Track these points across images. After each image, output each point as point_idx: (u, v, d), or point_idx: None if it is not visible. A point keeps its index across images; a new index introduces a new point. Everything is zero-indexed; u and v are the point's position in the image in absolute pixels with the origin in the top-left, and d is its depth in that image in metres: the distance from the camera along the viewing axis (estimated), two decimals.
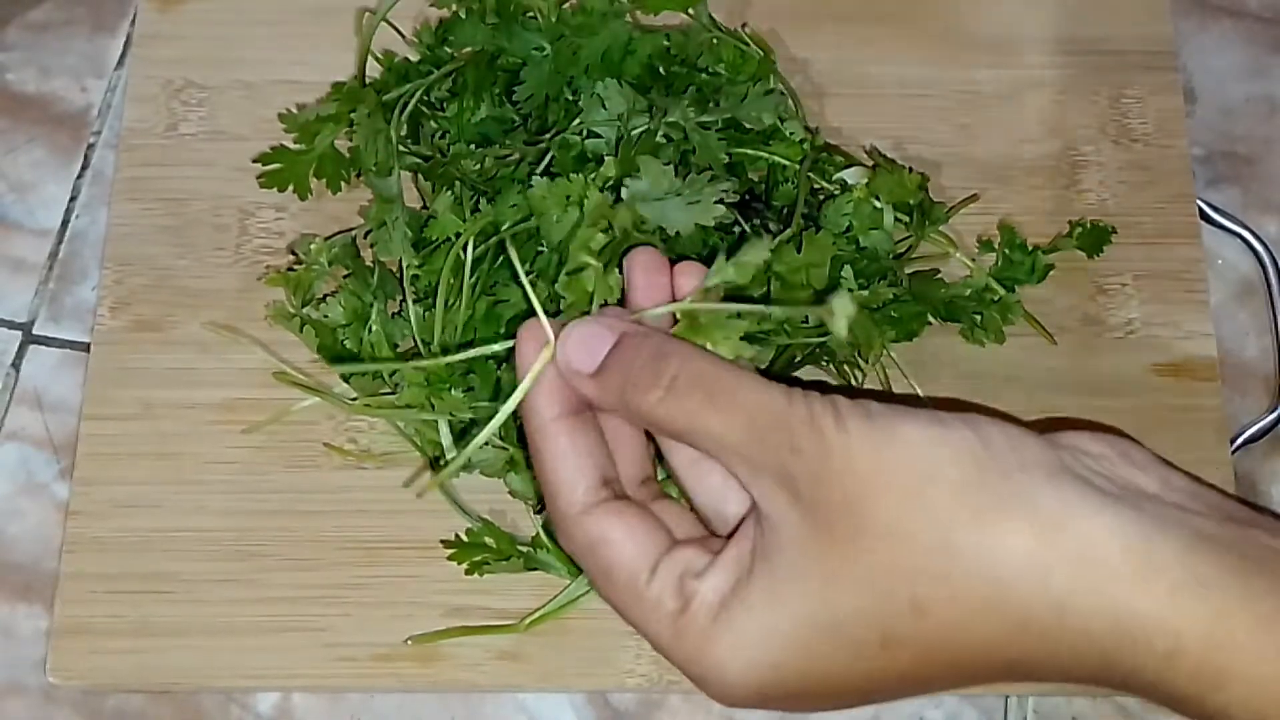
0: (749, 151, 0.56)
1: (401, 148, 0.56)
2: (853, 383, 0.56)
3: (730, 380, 0.40)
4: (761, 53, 0.59)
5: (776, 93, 0.57)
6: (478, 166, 0.55)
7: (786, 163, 0.56)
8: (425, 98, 0.57)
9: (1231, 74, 0.65)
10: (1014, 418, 0.40)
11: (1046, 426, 0.41)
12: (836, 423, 0.38)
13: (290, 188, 0.57)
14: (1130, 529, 0.36)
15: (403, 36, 0.61)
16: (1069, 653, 0.37)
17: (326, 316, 0.54)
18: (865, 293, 0.53)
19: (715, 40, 0.59)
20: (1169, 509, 0.38)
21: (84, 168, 0.63)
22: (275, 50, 0.63)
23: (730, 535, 0.41)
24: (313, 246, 0.55)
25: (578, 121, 0.54)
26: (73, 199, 0.62)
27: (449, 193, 0.53)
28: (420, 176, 0.57)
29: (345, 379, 0.55)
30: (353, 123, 0.56)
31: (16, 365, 0.59)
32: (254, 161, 0.58)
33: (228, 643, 0.53)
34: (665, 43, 0.58)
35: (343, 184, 0.57)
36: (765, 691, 0.39)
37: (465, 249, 0.53)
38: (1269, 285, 0.61)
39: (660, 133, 0.54)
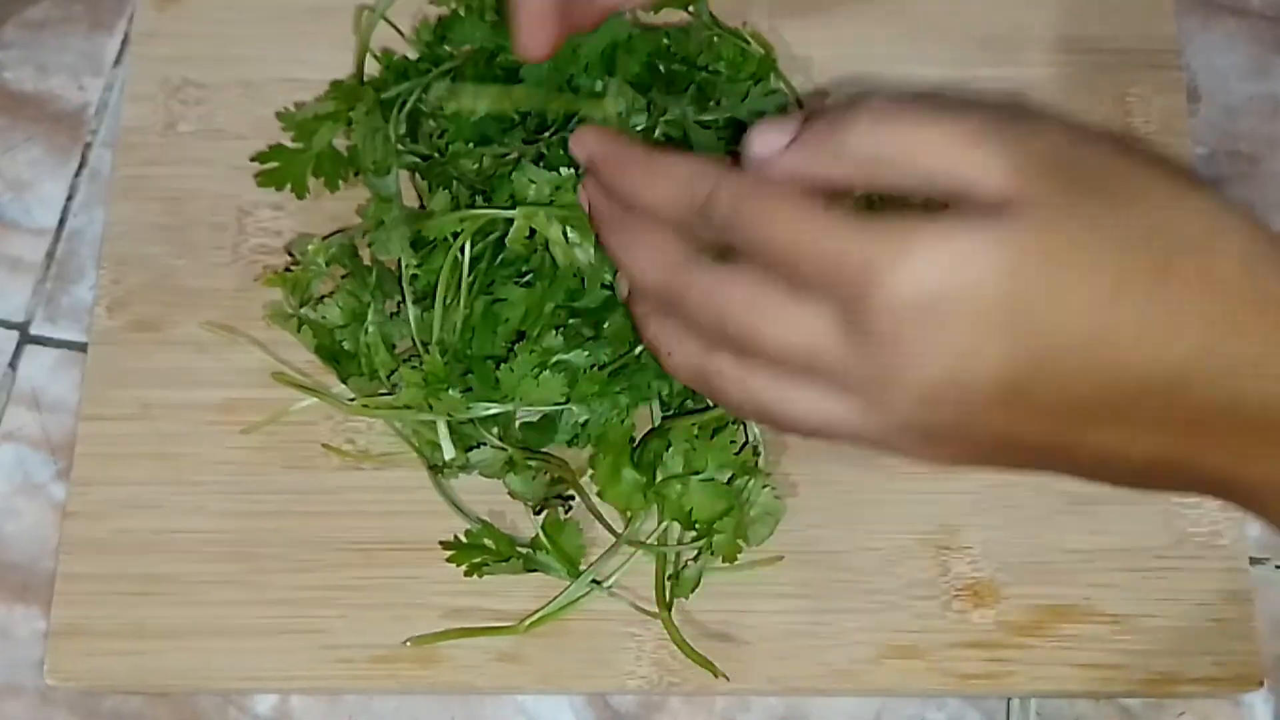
0: None
1: (400, 146, 0.56)
2: None
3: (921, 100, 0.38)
4: (762, 51, 0.59)
5: (778, 93, 0.57)
6: (476, 166, 0.55)
7: None
8: (424, 96, 0.57)
9: (1235, 73, 0.65)
10: None
11: None
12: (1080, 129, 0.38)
13: (288, 186, 0.57)
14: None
15: (401, 35, 0.61)
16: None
17: (324, 317, 0.54)
18: None
19: (715, 38, 0.58)
20: None
21: (81, 166, 0.62)
22: (274, 48, 0.62)
23: None
24: (310, 247, 0.55)
25: (577, 120, 0.54)
26: (70, 198, 0.62)
27: (446, 192, 0.53)
28: (418, 176, 0.57)
29: (343, 379, 0.55)
30: (351, 121, 0.56)
31: (14, 365, 0.59)
32: (252, 160, 0.57)
33: (225, 644, 0.53)
34: (665, 40, 0.58)
35: (341, 183, 0.57)
36: (954, 298, 0.35)
37: (463, 248, 0.52)
38: None
39: (659, 131, 0.54)
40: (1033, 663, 0.53)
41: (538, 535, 0.52)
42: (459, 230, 0.52)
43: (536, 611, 0.53)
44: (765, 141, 0.41)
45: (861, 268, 0.36)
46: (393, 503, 0.54)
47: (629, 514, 0.53)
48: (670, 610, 0.52)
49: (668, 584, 0.52)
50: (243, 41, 0.62)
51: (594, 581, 0.52)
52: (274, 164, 0.57)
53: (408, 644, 0.52)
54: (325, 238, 0.57)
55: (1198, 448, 0.37)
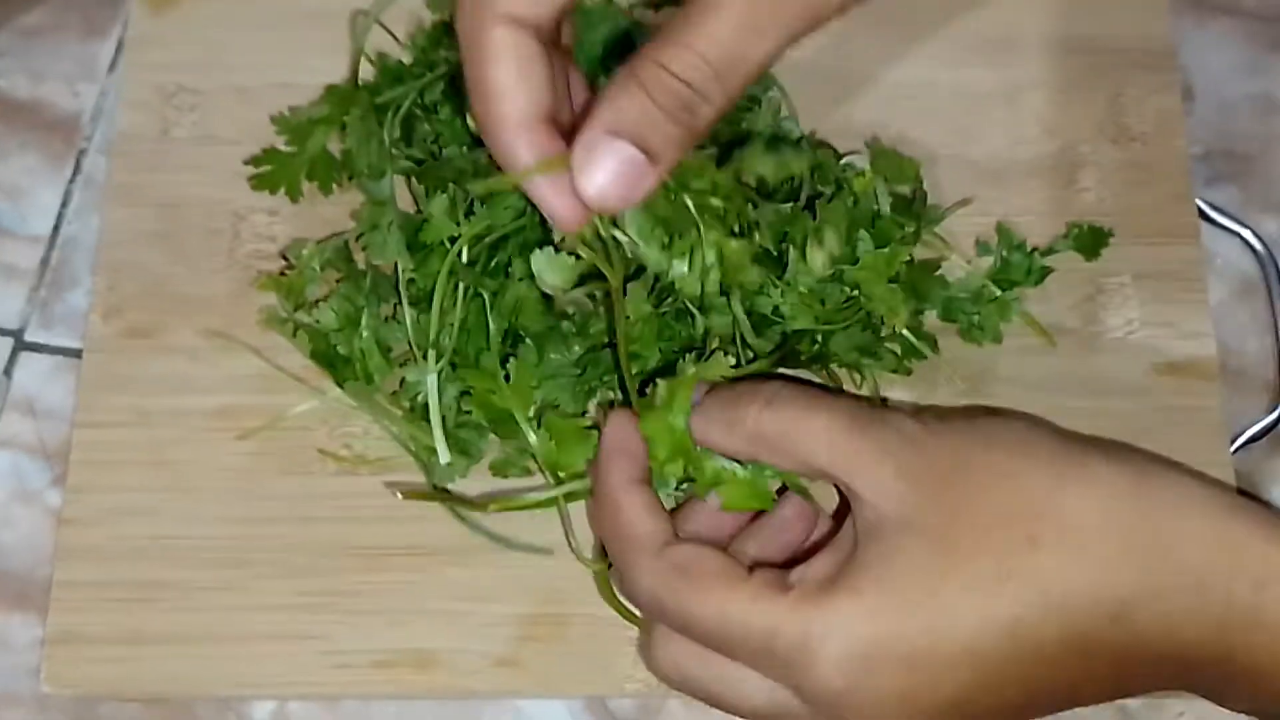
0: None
1: (394, 151, 0.56)
2: (846, 387, 0.56)
3: (821, 393, 0.44)
4: None
5: (776, 90, 0.58)
6: (472, 169, 0.55)
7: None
8: (419, 100, 0.57)
9: (1230, 72, 0.65)
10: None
11: None
12: (935, 414, 0.44)
13: (282, 190, 0.57)
14: (1205, 482, 0.41)
15: (396, 40, 0.61)
16: (1171, 577, 0.39)
17: (318, 322, 0.54)
18: (885, 251, 0.52)
19: None
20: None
21: (76, 173, 0.62)
22: (268, 54, 0.62)
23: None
24: (305, 252, 0.55)
25: None
26: (64, 205, 0.62)
27: (443, 196, 0.53)
28: (413, 180, 0.57)
29: (339, 384, 0.54)
30: (345, 125, 0.56)
31: (8, 372, 0.59)
32: (246, 164, 0.57)
33: (223, 650, 0.53)
34: None
35: (335, 187, 0.57)
36: (880, 651, 0.40)
37: (460, 253, 0.52)
38: (1268, 284, 0.61)
39: None
40: None
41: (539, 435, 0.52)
42: (456, 235, 0.52)
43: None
44: None
45: (795, 647, 0.41)
46: (390, 508, 0.54)
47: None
48: (611, 565, 0.51)
49: None
50: (237, 47, 0.62)
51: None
52: (267, 167, 0.57)
53: (399, 495, 0.51)
54: (320, 242, 0.56)
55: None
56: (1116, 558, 0.39)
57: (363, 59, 0.60)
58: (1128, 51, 0.63)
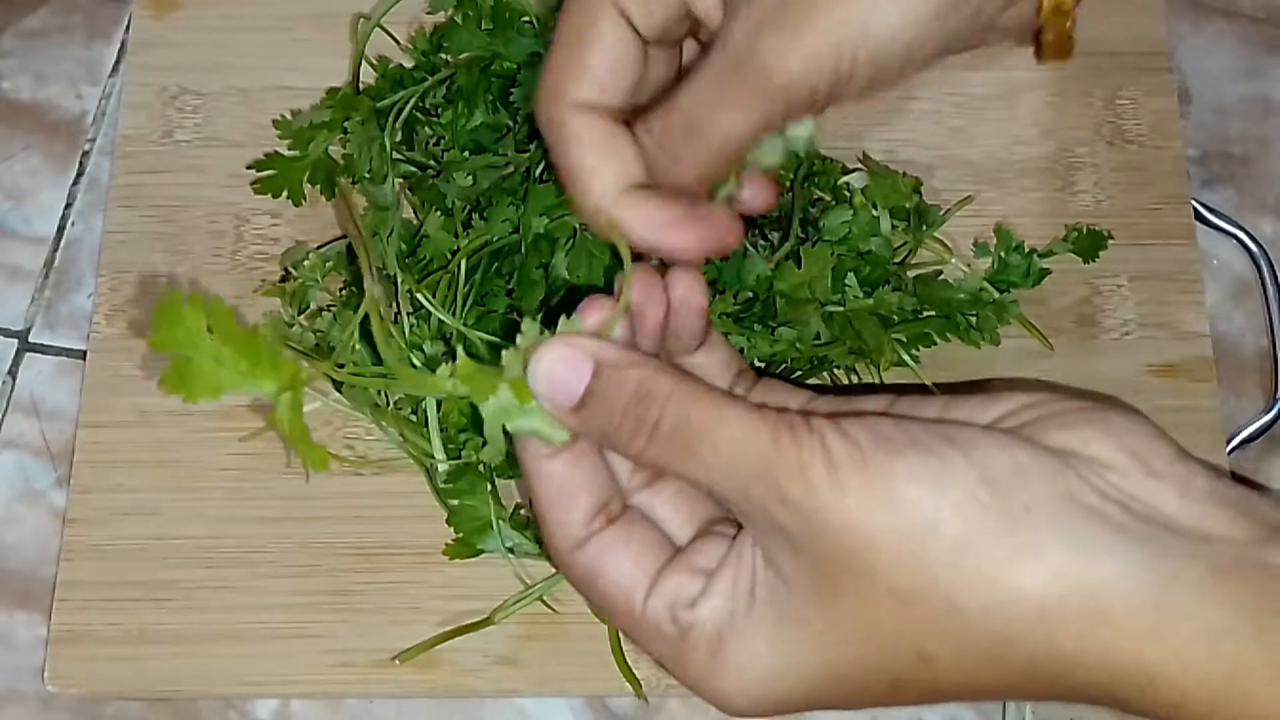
0: None
1: (396, 154, 0.56)
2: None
3: (712, 426, 0.38)
4: None
5: None
6: (469, 180, 0.55)
7: (781, 172, 0.56)
8: (420, 104, 0.57)
9: (1226, 75, 0.65)
10: (1047, 383, 0.40)
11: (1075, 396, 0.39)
12: (829, 474, 0.36)
13: (284, 194, 0.57)
14: (1140, 575, 0.35)
15: (397, 43, 0.61)
16: (1077, 695, 0.36)
17: (319, 332, 0.54)
18: (869, 300, 0.53)
19: None
20: (1185, 540, 0.36)
21: (79, 175, 0.63)
22: (270, 56, 0.62)
23: (725, 553, 0.40)
24: (306, 263, 0.55)
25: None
26: (68, 206, 0.62)
27: (439, 213, 0.53)
28: (411, 191, 0.57)
29: (337, 388, 0.55)
30: (346, 130, 0.56)
31: (13, 373, 0.59)
32: (248, 168, 0.58)
33: (226, 650, 0.53)
34: None
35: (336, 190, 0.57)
36: (779, 710, 0.39)
37: (460, 264, 0.53)
38: (1264, 285, 0.61)
39: None
40: None
41: (515, 513, 0.53)
42: (455, 248, 0.53)
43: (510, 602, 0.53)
44: (556, 392, 0.39)
45: (692, 688, 0.39)
46: (392, 508, 0.55)
47: None
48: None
49: None
50: (239, 50, 0.63)
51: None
52: (270, 171, 0.57)
53: (397, 660, 0.53)
54: (320, 246, 0.57)
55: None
56: (1020, 677, 0.36)
57: (363, 62, 0.60)
58: (1124, 54, 0.63)
